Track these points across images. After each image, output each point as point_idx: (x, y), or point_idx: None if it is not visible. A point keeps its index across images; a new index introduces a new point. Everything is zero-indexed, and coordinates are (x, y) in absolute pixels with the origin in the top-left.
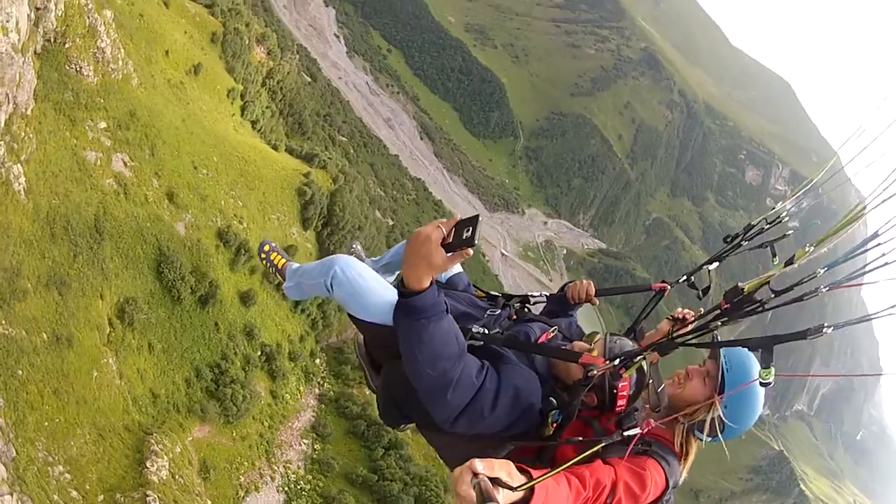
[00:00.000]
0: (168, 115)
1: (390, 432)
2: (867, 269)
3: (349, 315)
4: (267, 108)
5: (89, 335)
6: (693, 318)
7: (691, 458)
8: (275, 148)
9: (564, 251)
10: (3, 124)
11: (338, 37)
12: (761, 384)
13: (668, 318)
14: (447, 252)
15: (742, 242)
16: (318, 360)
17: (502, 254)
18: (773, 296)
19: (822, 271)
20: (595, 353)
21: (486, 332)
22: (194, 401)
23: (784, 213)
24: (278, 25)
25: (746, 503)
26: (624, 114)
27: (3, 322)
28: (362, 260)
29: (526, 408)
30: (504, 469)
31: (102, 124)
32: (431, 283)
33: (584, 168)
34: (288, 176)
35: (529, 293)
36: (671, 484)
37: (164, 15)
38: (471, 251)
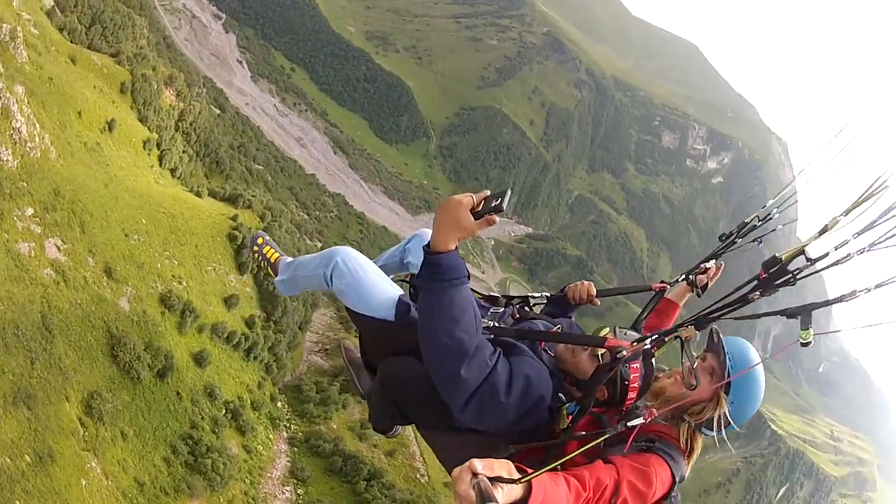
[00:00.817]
0: (91, 184)
1: (367, 463)
2: (890, 233)
3: (346, 309)
4: (183, 152)
5: (67, 444)
6: (714, 269)
7: (696, 454)
8: (198, 195)
9: (493, 242)
10: None
11: (241, 62)
12: (802, 344)
13: (684, 276)
14: (476, 218)
15: (736, 240)
16: (279, 404)
17: None
18: (807, 264)
19: (851, 238)
20: (612, 337)
21: (495, 324)
22: (178, 479)
23: (774, 211)
24: (182, 60)
25: (720, 452)
26: (533, 99)
27: None
28: None
29: (536, 400)
30: (504, 468)
31: (30, 211)
32: (456, 248)
33: (500, 158)
34: (216, 223)
35: (530, 294)
36: (677, 480)
37: (72, 73)
38: (497, 218)
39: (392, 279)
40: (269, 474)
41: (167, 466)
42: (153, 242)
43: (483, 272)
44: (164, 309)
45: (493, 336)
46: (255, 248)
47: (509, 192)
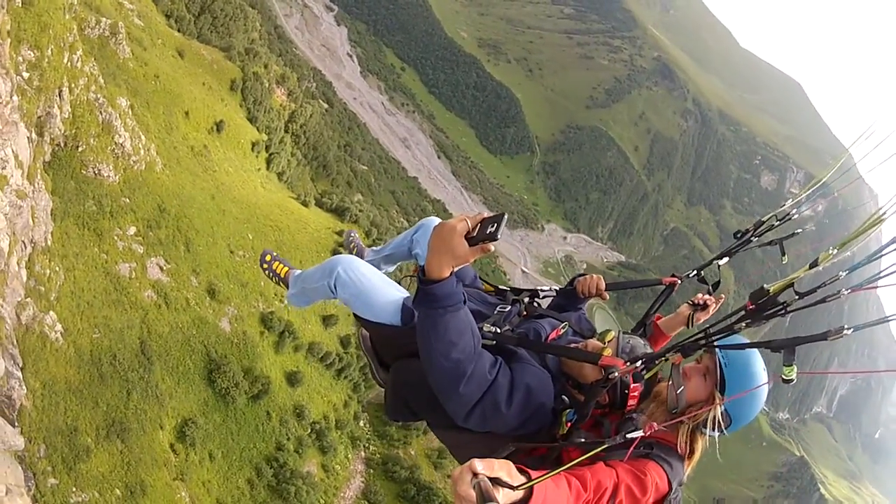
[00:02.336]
0: (197, 195)
1: (440, 496)
2: (887, 272)
3: (354, 315)
4: (292, 155)
5: (159, 476)
6: (713, 304)
7: (697, 455)
8: (304, 204)
9: (584, 265)
10: (24, 279)
11: (351, 56)
12: (784, 381)
13: (688, 303)
14: (470, 245)
15: (752, 239)
16: (362, 422)
17: (523, 271)
18: (797, 297)
19: (843, 273)
20: (609, 352)
21: (498, 330)
22: (259, 502)
23: (793, 211)
24: (293, 52)
25: None
26: (639, 124)
27: (75, 489)
28: (361, 250)
29: (538, 407)
30: (504, 469)
31: (132, 230)
32: (451, 273)
33: (602, 181)
34: (322, 238)
35: (539, 287)
36: (674, 485)
37: (179, 69)
38: (492, 246)
39: (401, 280)
40: (342, 494)
41: (250, 489)
42: (258, 259)
43: None
44: (264, 328)
45: (494, 342)
46: (265, 265)
47: (505, 217)
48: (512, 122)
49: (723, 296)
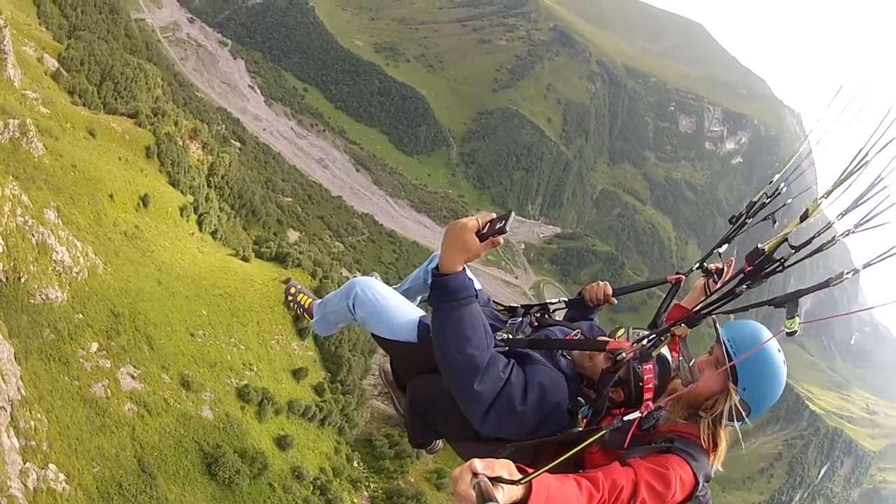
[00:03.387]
0: (144, 286)
1: None
2: (876, 212)
3: (373, 335)
4: (220, 210)
5: None
6: (728, 268)
7: (722, 448)
8: (245, 259)
9: (523, 245)
10: (17, 446)
11: (252, 87)
12: (787, 334)
13: (702, 274)
14: (481, 240)
15: (747, 221)
16: (355, 463)
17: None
18: (793, 252)
19: (835, 221)
20: (618, 338)
21: (510, 337)
22: None
23: (782, 185)
24: (194, 94)
25: (762, 437)
26: (548, 97)
27: None
28: (308, 295)
29: (553, 407)
30: (504, 468)
31: (94, 346)
32: (463, 269)
33: (522, 160)
34: (270, 292)
35: (548, 301)
36: (701, 480)
37: (93, 150)
38: (501, 240)
39: (420, 301)
40: None
41: None
42: (218, 333)
43: (517, 277)
44: (243, 402)
45: (507, 348)
46: (290, 298)
47: (513, 215)
48: (422, 120)
49: (732, 258)
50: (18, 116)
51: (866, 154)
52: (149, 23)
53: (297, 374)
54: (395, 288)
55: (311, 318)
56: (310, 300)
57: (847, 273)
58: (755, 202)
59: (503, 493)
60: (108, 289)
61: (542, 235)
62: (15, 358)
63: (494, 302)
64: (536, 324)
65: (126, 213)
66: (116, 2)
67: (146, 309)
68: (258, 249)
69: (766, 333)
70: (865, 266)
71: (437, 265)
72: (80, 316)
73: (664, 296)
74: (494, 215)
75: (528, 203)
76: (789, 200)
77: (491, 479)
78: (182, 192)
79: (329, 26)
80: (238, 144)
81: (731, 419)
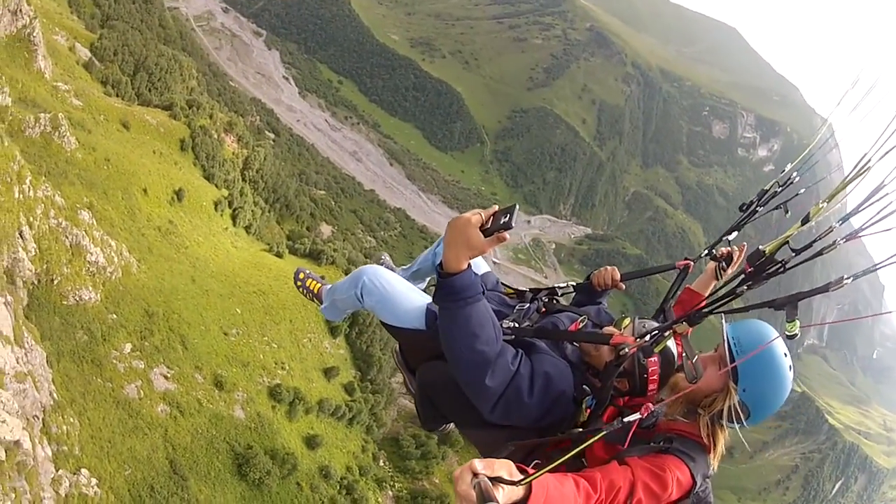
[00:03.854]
0: (178, 284)
1: None
2: (876, 218)
3: (382, 323)
4: (255, 205)
5: None
6: (738, 254)
7: (720, 448)
8: (279, 255)
9: (553, 245)
10: (50, 454)
11: (287, 78)
12: (788, 337)
13: (712, 259)
14: (486, 236)
15: (758, 209)
16: (381, 462)
17: (493, 262)
18: (793, 254)
19: (836, 225)
20: (623, 331)
21: (517, 325)
22: None
23: (794, 174)
24: (228, 84)
25: (780, 449)
26: (583, 97)
27: None
28: (392, 270)
29: (558, 395)
30: (504, 468)
31: (127, 347)
32: (469, 266)
33: (556, 159)
34: None
35: (556, 285)
36: (699, 479)
37: (127, 142)
38: (507, 235)
39: (430, 283)
40: None
41: None
42: (251, 332)
43: (546, 276)
44: (275, 402)
45: (513, 337)
46: (299, 283)
47: (517, 208)
48: (457, 116)
49: (744, 244)
50: (50, 109)
51: (869, 159)
52: (183, 11)
53: (329, 372)
54: (404, 269)
55: (321, 303)
56: (319, 285)
57: (847, 278)
58: (766, 190)
59: (503, 493)
60: (143, 287)
61: (572, 236)
62: (47, 361)
63: (503, 285)
64: (544, 309)
65: (160, 207)
66: None
67: (180, 308)
68: (292, 245)
69: (772, 335)
70: (865, 273)
71: (441, 263)
72: (114, 316)
73: (672, 281)
74: (497, 208)
75: (560, 203)
76: (802, 190)
77: (491, 479)
78: (216, 185)
79: (365, 19)
80: (272, 136)
81: (729, 420)
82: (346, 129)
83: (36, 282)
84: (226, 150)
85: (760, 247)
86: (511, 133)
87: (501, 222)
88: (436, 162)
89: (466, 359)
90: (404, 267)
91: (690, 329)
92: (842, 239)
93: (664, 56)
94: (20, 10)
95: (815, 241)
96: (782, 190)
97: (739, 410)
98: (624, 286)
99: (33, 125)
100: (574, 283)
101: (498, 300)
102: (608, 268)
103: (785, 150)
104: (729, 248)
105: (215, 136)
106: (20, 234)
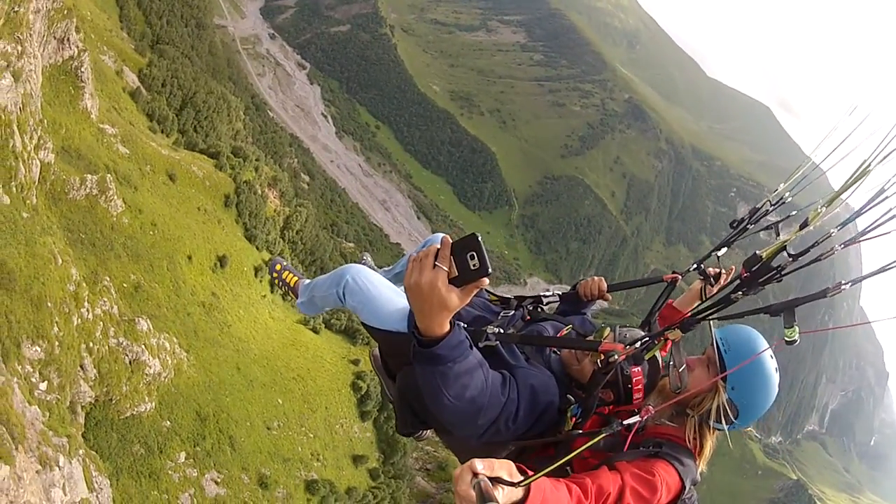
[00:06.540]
0: (225, 376)
1: None
2: (875, 224)
3: (362, 324)
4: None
5: None
6: (726, 275)
7: (706, 451)
8: (315, 331)
9: None
10: None
11: (325, 116)
12: (787, 342)
13: (699, 277)
14: (459, 286)
15: (748, 226)
16: None
17: None
18: (790, 260)
19: (834, 231)
20: (608, 338)
21: (500, 331)
22: None
23: (787, 194)
24: (272, 122)
25: None
26: (615, 169)
27: None
28: (374, 270)
29: (545, 407)
30: (504, 469)
31: (182, 456)
32: (452, 325)
33: (581, 230)
34: (339, 373)
35: (542, 293)
36: (688, 484)
37: (173, 198)
38: (486, 280)
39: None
40: None
41: None
42: (291, 423)
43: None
44: (310, 495)
45: (497, 343)
46: (275, 275)
47: (480, 239)
48: (489, 176)
49: (733, 266)
50: (95, 160)
51: (868, 165)
52: (230, 31)
53: (357, 460)
54: (387, 270)
55: (297, 296)
56: (296, 279)
57: (844, 284)
58: (758, 209)
59: (503, 494)
60: (193, 388)
61: (590, 310)
62: (109, 480)
63: (487, 291)
64: (528, 317)
65: (203, 275)
66: (203, 16)
67: (228, 405)
68: (328, 320)
69: (761, 339)
70: (864, 278)
71: (417, 327)
72: (168, 423)
73: (658, 294)
74: (450, 243)
75: (581, 274)
76: (794, 212)
77: (491, 479)
78: (257, 247)
79: (409, 66)
80: (307, 179)
81: (718, 420)
82: (379, 176)
83: (94, 402)
84: (269, 207)
85: (757, 252)
86: (540, 199)
87: (472, 267)
88: (462, 220)
89: (456, 407)
90: (386, 268)
91: (681, 335)
92: (840, 245)
93: (696, 131)
94: (68, 39)
95: (812, 245)
96: (774, 209)
97: (728, 409)
98: (610, 297)
99: (78, 187)
100: (560, 293)
101: (482, 306)
102: (595, 278)
103: (806, 237)
104: (718, 269)
105: (259, 193)
106: (81, 367)
